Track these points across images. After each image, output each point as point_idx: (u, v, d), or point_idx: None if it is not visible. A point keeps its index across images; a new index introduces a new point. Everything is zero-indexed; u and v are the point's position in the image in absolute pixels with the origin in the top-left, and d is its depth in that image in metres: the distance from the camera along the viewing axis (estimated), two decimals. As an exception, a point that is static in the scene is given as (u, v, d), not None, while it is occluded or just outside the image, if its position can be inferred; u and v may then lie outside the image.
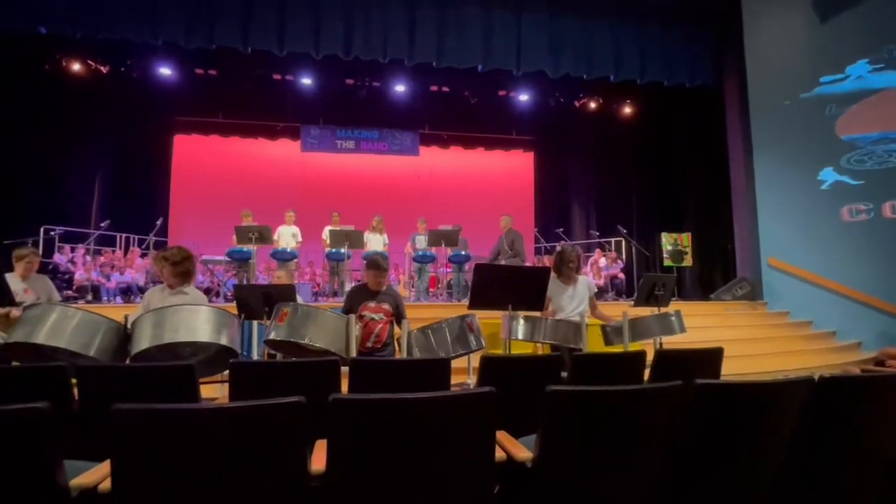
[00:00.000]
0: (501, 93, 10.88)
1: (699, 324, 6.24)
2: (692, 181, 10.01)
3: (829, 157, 7.65)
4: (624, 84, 9.01)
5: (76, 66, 9.07)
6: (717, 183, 9.06)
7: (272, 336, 2.84)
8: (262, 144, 11.58)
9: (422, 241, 7.65)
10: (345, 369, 2.40)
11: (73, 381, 2.06)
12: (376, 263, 3.45)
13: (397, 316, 3.44)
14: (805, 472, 1.77)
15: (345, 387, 2.41)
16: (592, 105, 10.94)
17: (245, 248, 6.86)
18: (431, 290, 8.43)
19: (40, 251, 7.77)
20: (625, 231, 8.60)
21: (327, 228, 7.44)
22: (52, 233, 8.05)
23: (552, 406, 1.52)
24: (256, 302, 3.53)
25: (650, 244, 9.78)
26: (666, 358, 2.71)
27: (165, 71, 9.52)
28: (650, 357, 2.73)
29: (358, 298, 3.43)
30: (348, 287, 7.88)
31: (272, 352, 3.51)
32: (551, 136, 11.90)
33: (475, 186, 12.21)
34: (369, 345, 3.31)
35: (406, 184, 11.98)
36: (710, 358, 2.81)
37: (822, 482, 1.79)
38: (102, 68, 9.34)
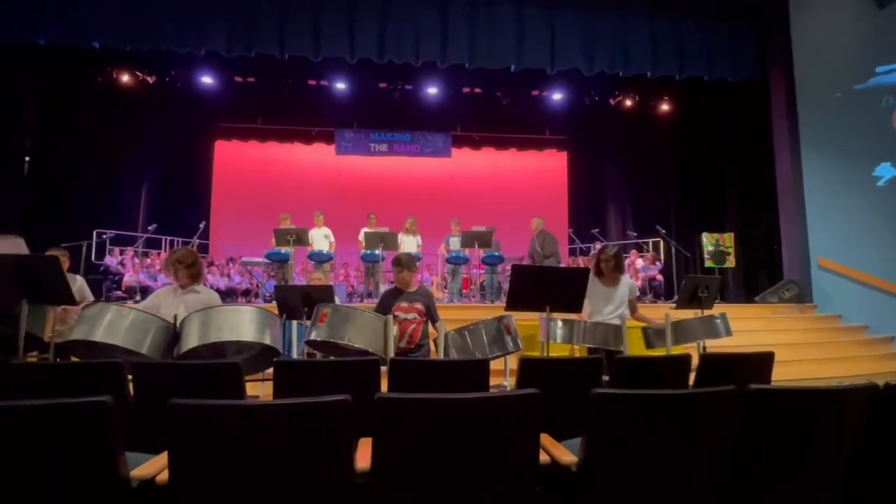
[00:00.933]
0: (534, 92, 10.79)
1: (744, 327, 6.00)
2: (735, 179, 9.66)
3: (886, 151, 7.23)
4: (661, 80, 8.77)
5: (125, 78, 9.53)
6: (762, 180, 8.70)
7: (313, 336, 2.90)
8: (298, 149, 11.85)
9: (455, 243, 7.66)
10: (383, 368, 2.43)
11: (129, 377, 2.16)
12: (396, 260, 3.53)
13: (430, 316, 3.45)
14: (869, 485, 1.67)
15: (383, 386, 2.43)
16: (628, 102, 10.71)
17: (283, 250, 7.03)
18: (465, 291, 8.43)
19: (93, 254, 8.22)
20: (663, 231, 8.36)
21: (364, 230, 7.54)
22: (104, 236, 8.47)
23: (598, 409, 1.49)
24: (296, 302, 3.62)
25: (690, 245, 9.48)
26: (712, 362, 2.61)
27: (207, 80, 9.88)
28: (694, 361, 2.64)
29: (391, 299, 3.46)
30: (383, 288, 7.98)
31: (311, 351, 3.58)
32: (586, 134, 11.71)
33: (508, 187, 12.13)
34: (402, 345, 3.32)
35: (439, 185, 12.02)
36: (760, 363, 2.69)
37: (888, 496, 1.69)
38: (149, 79, 9.78)
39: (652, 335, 3.53)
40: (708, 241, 8.23)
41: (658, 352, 3.54)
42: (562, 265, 7.33)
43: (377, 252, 7.20)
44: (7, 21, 7.10)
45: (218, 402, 1.27)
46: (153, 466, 1.41)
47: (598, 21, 8.17)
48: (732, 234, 8.39)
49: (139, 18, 7.43)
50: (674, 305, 4.30)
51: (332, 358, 3.19)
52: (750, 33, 8.48)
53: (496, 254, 7.57)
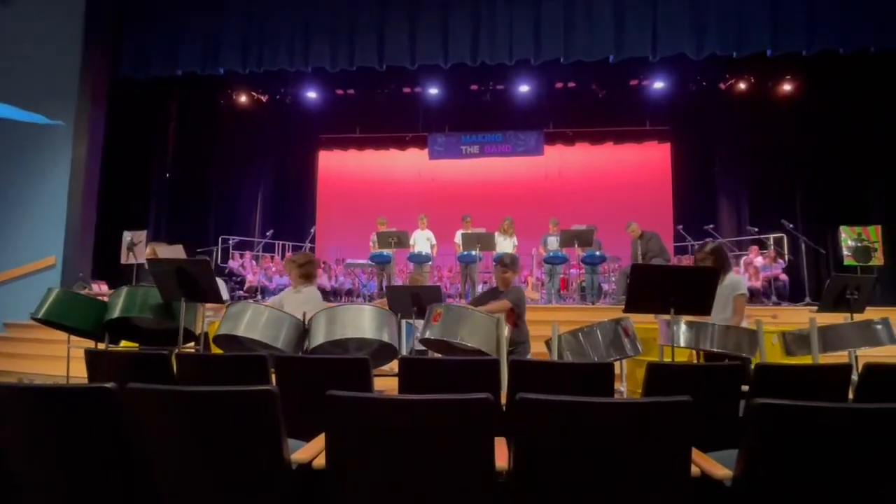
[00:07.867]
0: (633, 82, 10.23)
1: (900, 334, 5.17)
2: (879, 165, 8.39)
3: None
4: (784, 58, 7.87)
5: (243, 98, 10.55)
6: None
7: (427, 335, 2.98)
8: (393, 155, 12.32)
9: (553, 243, 7.48)
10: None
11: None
12: (503, 261, 3.69)
13: (517, 314, 3.45)
14: None
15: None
16: (742, 86, 9.77)
17: (385, 252, 7.33)
18: (563, 292, 8.20)
19: (218, 257, 9.18)
20: (790, 225, 7.46)
21: (459, 232, 7.63)
22: (228, 241, 9.43)
23: (759, 421, 1.36)
24: (406, 302, 3.75)
25: (821, 240, 8.39)
26: (879, 374, 2.28)
27: (312, 94, 10.61)
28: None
29: (488, 298, 3.61)
30: (479, 289, 8.02)
31: (420, 349, 3.69)
32: (691, 124, 10.88)
33: (606, 183, 11.62)
34: None
35: (533, 185, 11.83)
36: (942, 376, 2.29)
37: None
38: (263, 98, 10.75)
39: (791, 342, 3.16)
40: (848, 235, 7.16)
41: (797, 360, 3.17)
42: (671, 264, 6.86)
43: (474, 253, 7.24)
44: (157, 58, 8.22)
45: (369, 395, 1.34)
46: (308, 451, 1.51)
47: (708, -1, 7.53)
48: (879, 228, 7.25)
49: (255, 44, 8.18)
50: (813, 308, 3.83)
51: (439, 356, 3.25)
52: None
53: (597, 253, 7.28)
